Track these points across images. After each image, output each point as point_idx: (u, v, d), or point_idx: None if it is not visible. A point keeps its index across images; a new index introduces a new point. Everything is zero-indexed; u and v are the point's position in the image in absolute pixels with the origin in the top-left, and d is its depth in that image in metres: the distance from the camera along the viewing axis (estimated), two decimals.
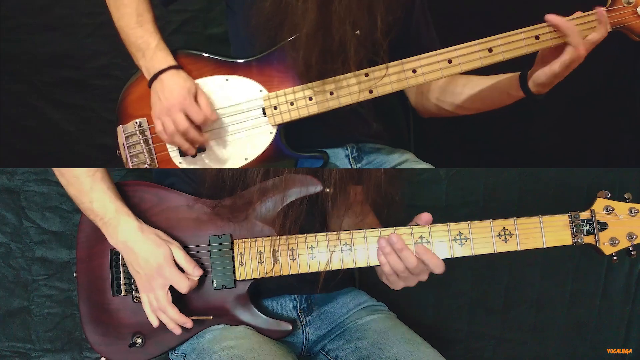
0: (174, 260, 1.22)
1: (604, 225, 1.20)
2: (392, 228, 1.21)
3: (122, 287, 1.28)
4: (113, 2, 1.34)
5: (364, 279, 1.58)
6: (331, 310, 1.37)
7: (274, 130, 1.34)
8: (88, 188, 1.24)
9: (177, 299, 1.22)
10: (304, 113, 1.32)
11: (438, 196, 1.89)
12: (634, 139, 1.92)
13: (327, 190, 1.23)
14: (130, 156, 1.36)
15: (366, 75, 1.30)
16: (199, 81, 1.33)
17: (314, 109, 1.32)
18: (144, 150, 1.36)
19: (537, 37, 1.26)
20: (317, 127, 1.36)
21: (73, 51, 1.86)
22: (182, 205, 1.27)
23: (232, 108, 1.34)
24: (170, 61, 1.30)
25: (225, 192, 1.25)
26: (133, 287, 1.28)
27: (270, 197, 1.24)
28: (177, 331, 1.23)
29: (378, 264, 1.20)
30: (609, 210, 1.20)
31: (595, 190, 1.22)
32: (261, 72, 1.33)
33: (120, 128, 1.37)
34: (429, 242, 1.20)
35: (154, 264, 1.20)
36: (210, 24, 1.89)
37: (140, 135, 1.35)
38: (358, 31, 1.26)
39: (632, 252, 1.20)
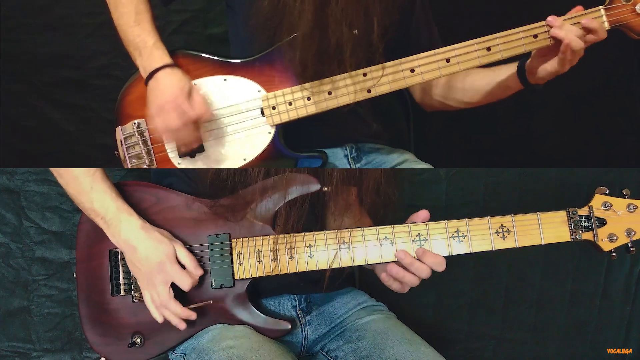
0: (177, 258, 1.22)
1: (602, 222, 1.20)
2: (390, 226, 1.21)
3: (122, 287, 1.29)
4: (112, 0, 1.35)
5: (363, 279, 1.58)
6: (330, 310, 1.37)
7: (273, 131, 1.34)
8: (88, 188, 1.24)
9: (176, 299, 1.22)
10: (303, 113, 1.32)
11: (438, 196, 1.89)
12: (634, 139, 1.91)
13: (326, 189, 1.24)
14: (129, 157, 1.36)
15: (364, 75, 1.30)
16: (198, 81, 1.33)
17: (312, 109, 1.32)
18: (143, 151, 1.36)
19: (535, 36, 1.26)
20: (316, 127, 1.36)
21: (73, 51, 1.86)
22: (181, 205, 1.28)
23: (230, 108, 1.34)
24: (167, 60, 1.30)
25: (226, 191, 1.26)
26: (132, 287, 1.28)
27: (268, 197, 1.24)
28: (182, 326, 1.23)
29: (376, 261, 1.21)
30: (607, 206, 1.20)
31: (595, 190, 1.22)
32: (259, 72, 1.33)
33: (119, 129, 1.37)
34: (427, 239, 1.20)
35: (155, 260, 1.20)
36: (210, 24, 1.89)
37: (139, 136, 1.35)
38: (356, 31, 1.26)
39: (631, 249, 1.20)
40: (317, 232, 1.23)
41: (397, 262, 1.20)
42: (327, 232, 1.23)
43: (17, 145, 1.87)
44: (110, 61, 1.86)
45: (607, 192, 1.20)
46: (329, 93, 1.30)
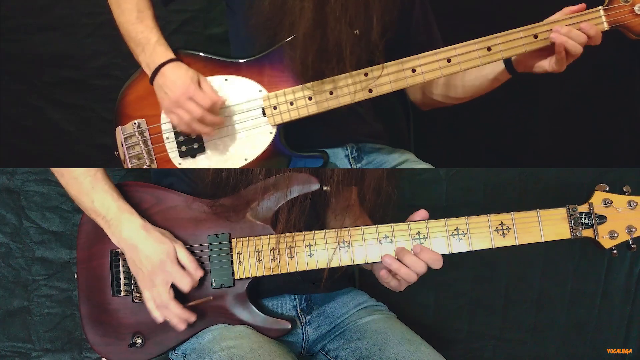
0: (177, 258, 1.22)
1: (602, 219, 1.20)
2: (389, 224, 1.21)
3: (122, 288, 1.28)
4: None
5: (363, 279, 1.58)
6: (331, 310, 1.37)
7: (274, 130, 1.34)
8: (89, 188, 1.24)
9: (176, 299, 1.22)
10: (304, 113, 1.32)
11: (438, 196, 1.89)
12: (634, 138, 1.92)
13: (325, 189, 1.24)
14: (129, 157, 1.36)
15: (365, 74, 1.30)
16: None
17: (313, 109, 1.32)
18: (143, 151, 1.36)
19: (535, 36, 1.27)
20: (317, 127, 1.36)
21: (73, 51, 1.86)
22: (181, 205, 1.28)
23: (231, 108, 1.34)
24: (170, 55, 1.31)
25: (227, 190, 1.25)
26: (133, 288, 1.28)
27: (269, 196, 1.24)
28: (182, 327, 1.23)
29: (376, 260, 1.21)
30: (608, 203, 1.19)
31: (595, 186, 1.22)
32: (260, 72, 1.33)
33: (119, 129, 1.37)
34: (426, 237, 1.20)
35: (156, 260, 1.20)
36: (210, 24, 1.89)
37: (139, 136, 1.35)
38: (357, 31, 1.26)
39: (632, 246, 1.20)
40: (316, 232, 1.23)
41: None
42: (326, 231, 1.23)
43: (17, 145, 1.87)
44: (110, 61, 1.86)
45: (607, 189, 1.20)
46: (331, 93, 1.30)
